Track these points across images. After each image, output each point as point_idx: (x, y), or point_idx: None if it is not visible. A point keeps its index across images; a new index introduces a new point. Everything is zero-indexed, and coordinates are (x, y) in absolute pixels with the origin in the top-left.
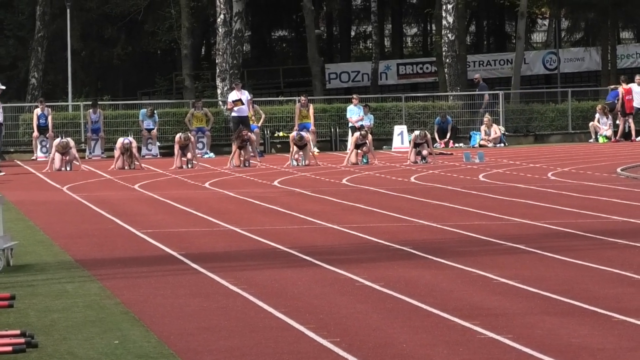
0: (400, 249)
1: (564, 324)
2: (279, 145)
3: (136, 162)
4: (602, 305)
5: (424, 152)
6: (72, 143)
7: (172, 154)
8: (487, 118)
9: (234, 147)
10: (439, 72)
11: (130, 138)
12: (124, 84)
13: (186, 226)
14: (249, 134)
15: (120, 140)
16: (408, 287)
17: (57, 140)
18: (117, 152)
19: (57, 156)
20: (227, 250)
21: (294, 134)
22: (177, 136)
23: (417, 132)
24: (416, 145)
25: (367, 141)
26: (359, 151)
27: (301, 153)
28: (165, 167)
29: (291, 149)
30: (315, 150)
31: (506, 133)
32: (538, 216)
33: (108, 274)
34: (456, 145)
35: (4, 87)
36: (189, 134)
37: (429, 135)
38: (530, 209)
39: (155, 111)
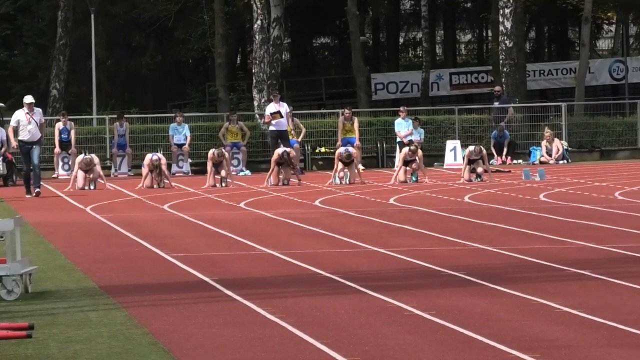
0: (452, 274)
1: (632, 357)
2: (320, 162)
3: (166, 181)
4: None
5: (479, 170)
6: (96, 160)
7: (204, 172)
8: (548, 132)
9: (272, 165)
10: (496, 83)
11: (159, 154)
12: (153, 96)
13: (220, 250)
14: (288, 150)
15: (149, 156)
16: (461, 316)
17: (81, 156)
18: (145, 170)
19: (80, 174)
20: (264, 275)
21: (340, 150)
22: (210, 152)
23: (471, 148)
24: (470, 161)
25: (416, 157)
26: (407, 168)
27: (346, 170)
28: (197, 185)
29: (335, 166)
30: (360, 167)
31: (569, 149)
32: (604, 239)
33: (135, 302)
34: (514, 161)
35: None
36: (223, 150)
37: (484, 151)
38: (596, 232)
39: (185, 123)
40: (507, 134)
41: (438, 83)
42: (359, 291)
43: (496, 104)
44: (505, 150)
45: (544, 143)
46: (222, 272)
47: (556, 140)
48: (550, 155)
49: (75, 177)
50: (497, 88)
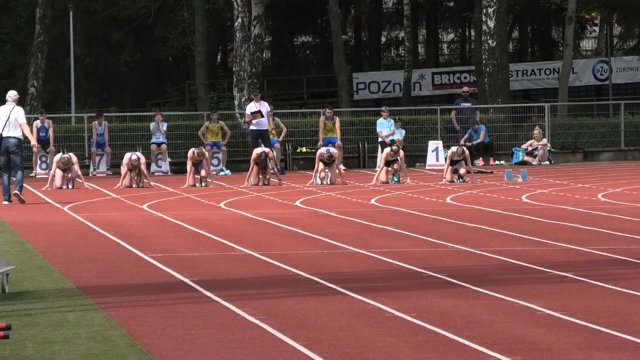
0: (434, 276)
1: None
2: (301, 162)
3: (145, 180)
4: None
5: (462, 171)
6: (74, 159)
7: (184, 171)
8: (537, 131)
9: (251, 164)
10: (479, 82)
11: (139, 153)
12: (131, 94)
13: (199, 250)
14: (267, 150)
15: (128, 155)
16: (443, 318)
17: (59, 155)
18: (123, 169)
19: (58, 173)
20: (243, 276)
21: (322, 150)
22: (190, 151)
23: (454, 149)
24: (453, 162)
25: (398, 158)
26: (389, 169)
27: (327, 171)
28: (177, 185)
29: (316, 166)
30: (342, 167)
31: (552, 150)
32: (587, 241)
33: (113, 303)
34: (497, 162)
35: None
36: (203, 149)
37: (467, 152)
38: (578, 234)
39: (164, 122)
40: (481, 127)
41: (420, 83)
42: (340, 292)
43: (465, 105)
44: (482, 140)
45: (530, 141)
46: (202, 272)
47: (544, 140)
48: (534, 156)
49: (53, 176)
50: (465, 89)
